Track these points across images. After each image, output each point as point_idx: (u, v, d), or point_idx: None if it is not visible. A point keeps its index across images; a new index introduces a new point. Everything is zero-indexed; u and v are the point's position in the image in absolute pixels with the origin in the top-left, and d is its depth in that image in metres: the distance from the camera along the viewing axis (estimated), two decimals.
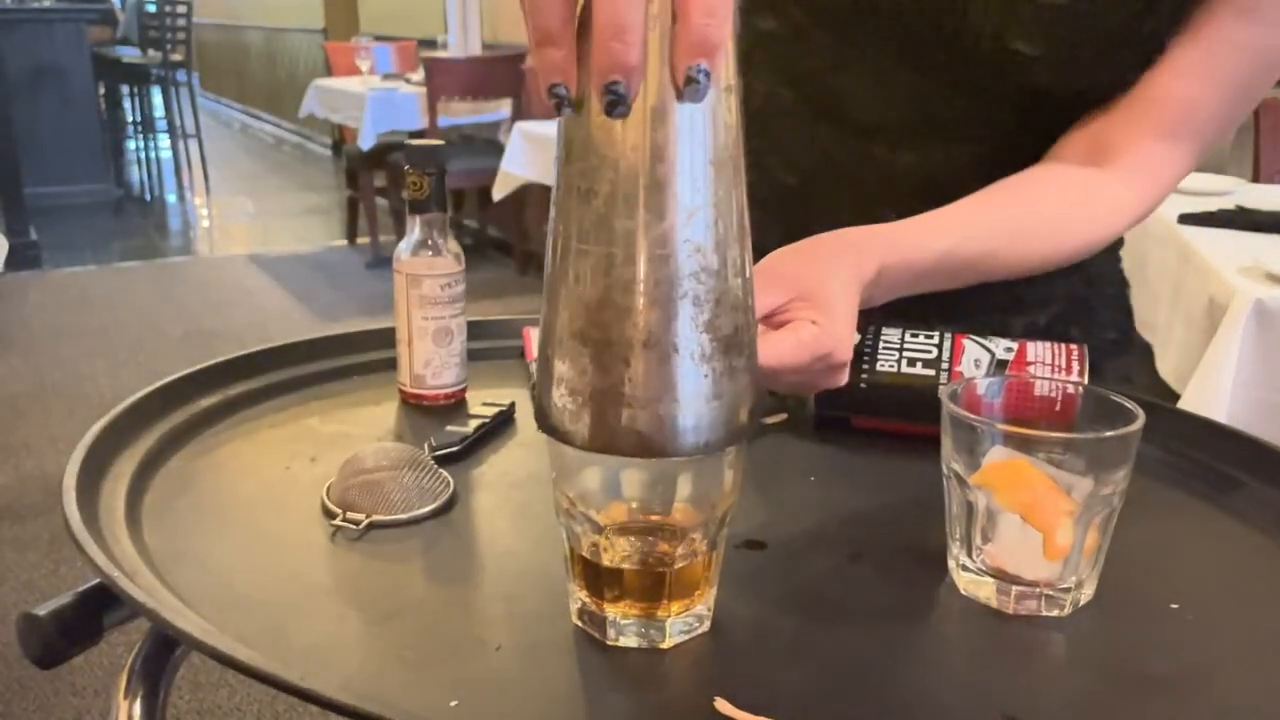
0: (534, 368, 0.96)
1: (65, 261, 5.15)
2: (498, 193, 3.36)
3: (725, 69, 0.48)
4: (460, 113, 4.60)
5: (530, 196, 3.86)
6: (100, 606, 0.62)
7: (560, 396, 0.52)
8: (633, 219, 0.48)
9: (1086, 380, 0.77)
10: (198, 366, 0.86)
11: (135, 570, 0.59)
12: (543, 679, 0.54)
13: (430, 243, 0.87)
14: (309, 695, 0.47)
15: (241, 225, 6.17)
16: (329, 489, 0.72)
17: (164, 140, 7.66)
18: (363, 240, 5.30)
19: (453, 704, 0.51)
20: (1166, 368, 1.77)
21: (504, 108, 4.61)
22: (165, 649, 0.61)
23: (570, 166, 0.49)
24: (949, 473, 0.62)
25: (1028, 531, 0.59)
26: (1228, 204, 2.02)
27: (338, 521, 0.68)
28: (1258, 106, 2.50)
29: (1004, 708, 0.51)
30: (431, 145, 0.86)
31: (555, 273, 0.51)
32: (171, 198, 6.91)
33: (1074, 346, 0.80)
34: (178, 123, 7.14)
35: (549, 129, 3.09)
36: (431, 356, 0.87)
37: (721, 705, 0.51)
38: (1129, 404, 0.61)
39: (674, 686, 0.55)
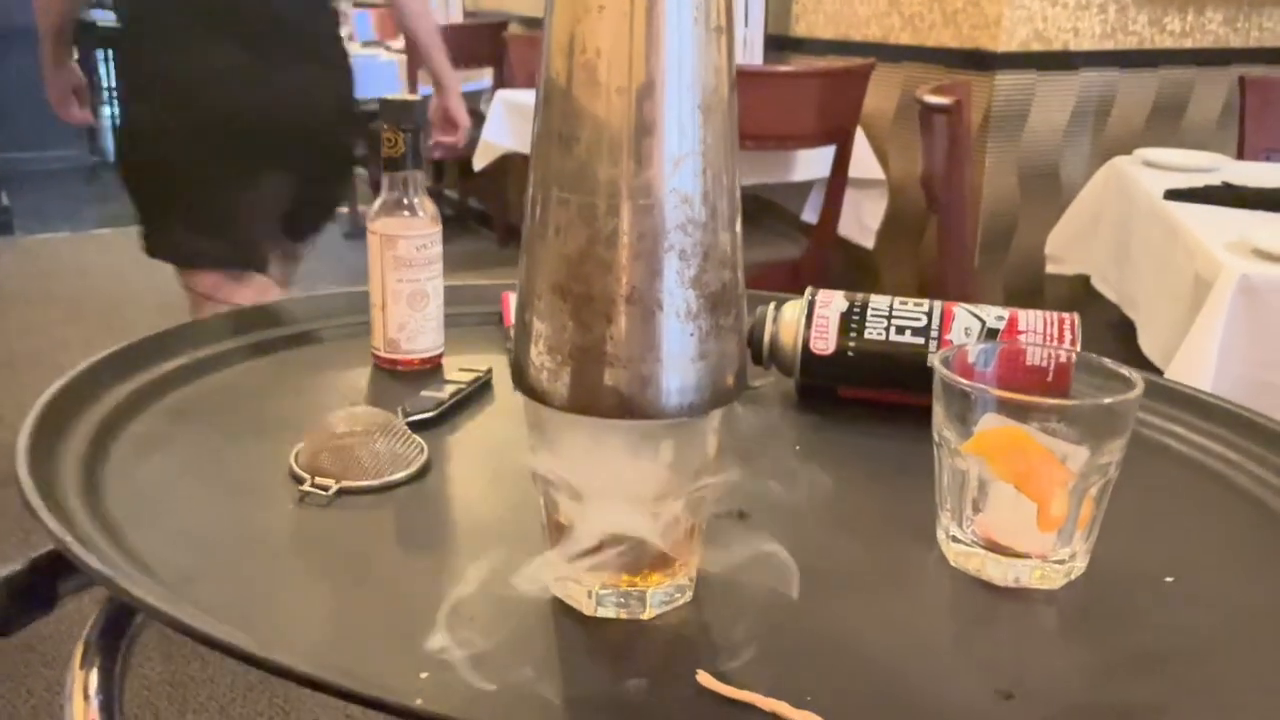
0: (514, 333, 0.94)
1: (38, 228, 5.06)
2: (479, 163, 3.31)
3: (716, 8, 0.45)
4: None
5: (512, 167, 3.82)
6: (55, 573, 0.59)
7: (538, 355, 0.49)
8: (616, 167, 0.46)
9: (1079, 348, 0.75)
10: (162, 329, 0.83)
11: (91, 536, 0.57)
12: (519, 651, 0.52)
13: (405, 202, 0.84)
14: (271, 666, 0.45)
15: None
16: (297, 454, 0.69)
17: None
18: (340, 210, 5.22)
19: (423, 675, 0.48)
20: (1150, 344, 1.76)
21: (485, 77, 4.54)
22: (123, 618, 0.59)
23: (550, 111, 0.47)
24: (939, 440, 0.60)
25: (1021, 502, 0.57)
26: (1213, 180, 2.00)
27: (306, 487, 0.65)
28: (1244, 84, 2.50)
29: (997, 683, 0.50)
30: (407, 100, 0.83)
31: (534, 225, 0.49)
32: None
33: (1065, 315, 0.78)
34: None
35: (531, 98, 3.04)
36: (406, 320, 0.85)
37: (704, 679, 0.49)
38: (1126, 371, 0.59)
39: (655, 659, 0.53)
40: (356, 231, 4.92)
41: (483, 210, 5.08)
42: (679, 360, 0.48)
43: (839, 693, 0.49)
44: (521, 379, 0.51)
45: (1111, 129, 2.78)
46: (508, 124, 3.01)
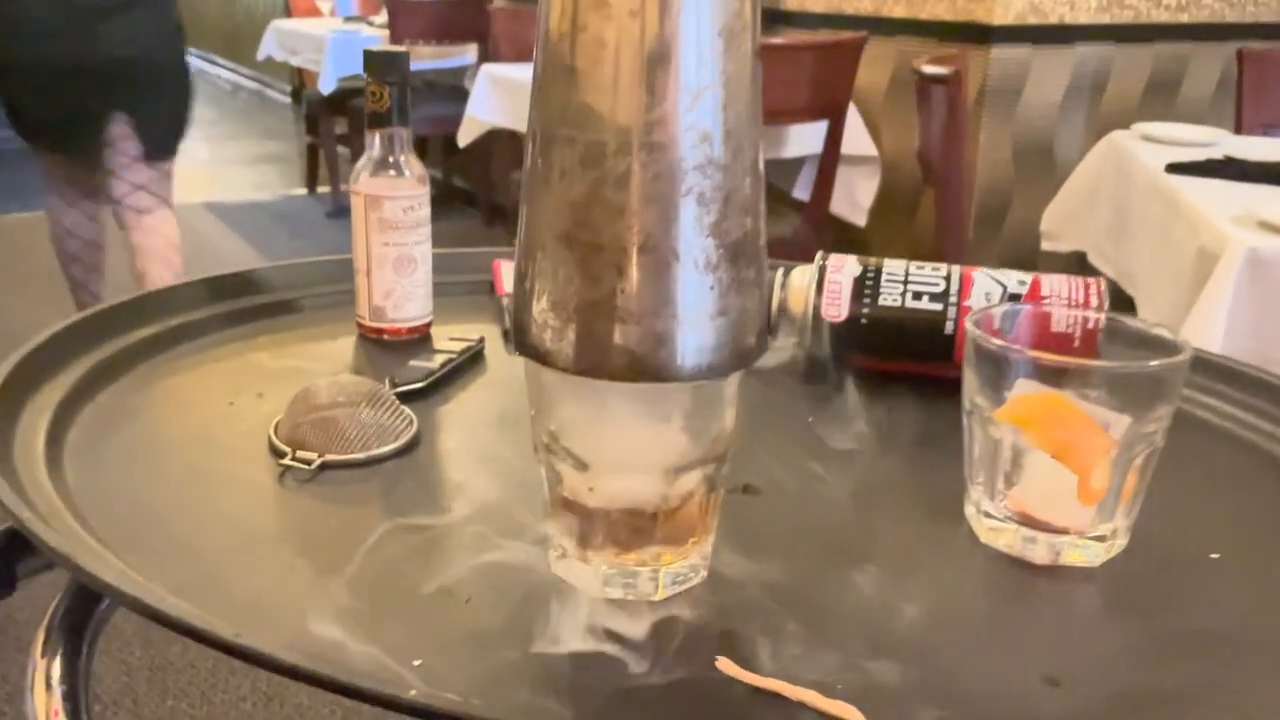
0: (506, 302, 0.89)
1: (13, 207, 4.97)
2: (463, 138, 3.24)
3: None
4: (424, 57, 4.45)
5: (497, 145, 3.75)
6: (13, 553, 0.55)
7: (541, 311, 0.45)
8: (627, 101, 0.41)
9: (1106, 314, 0.71)
10: (131, 295, 0.78)
11: (52, 512, 0.52)
12: (518, 636, 0.47)
13: (391, 161, 0.79)
14: (246, 654, 0.40)
15: (197, 172, 5.98)
16: (277, 426, 0.64)
17: None
18: (323, 189, 5.16)
19: (416, 664, 0.44)
20: (1151, 319, 1.73)
21: (469, 53, 4.47)
22: (88, 601, 0.54)
23: (552, 39, 0.42)
24: (971, 408, 0.56)
25: (1060, 473, 0.53)
26: (1214, 154, 1.97)
27: (287, 461, 0.61)
28: (1241, 58, 2.46)
29: (1041, 668, 0.46)
30: (391, 52, 0.78)
31: (535, 168, 0.44)
32: None
33: (1091, 280, 0.74)
34: None
35: (517, 72, 2.98)
36: (393, 287, 0.80)
37: (725, 665, 0.45)
38: (1168, 335, 0.55)
39: (669, 644, 0.48)
40: (338, 210, 4.86)
41: (467, 189, 5.02)
42: (697, 316, 0.44)
43: (871, 680, 0.45)
44: (522, 340, 0.46)
45: (1107, 104, 2.75)
46: (493, 98, 2.95)
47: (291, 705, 1.81)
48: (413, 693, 0.39)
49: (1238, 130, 2.42)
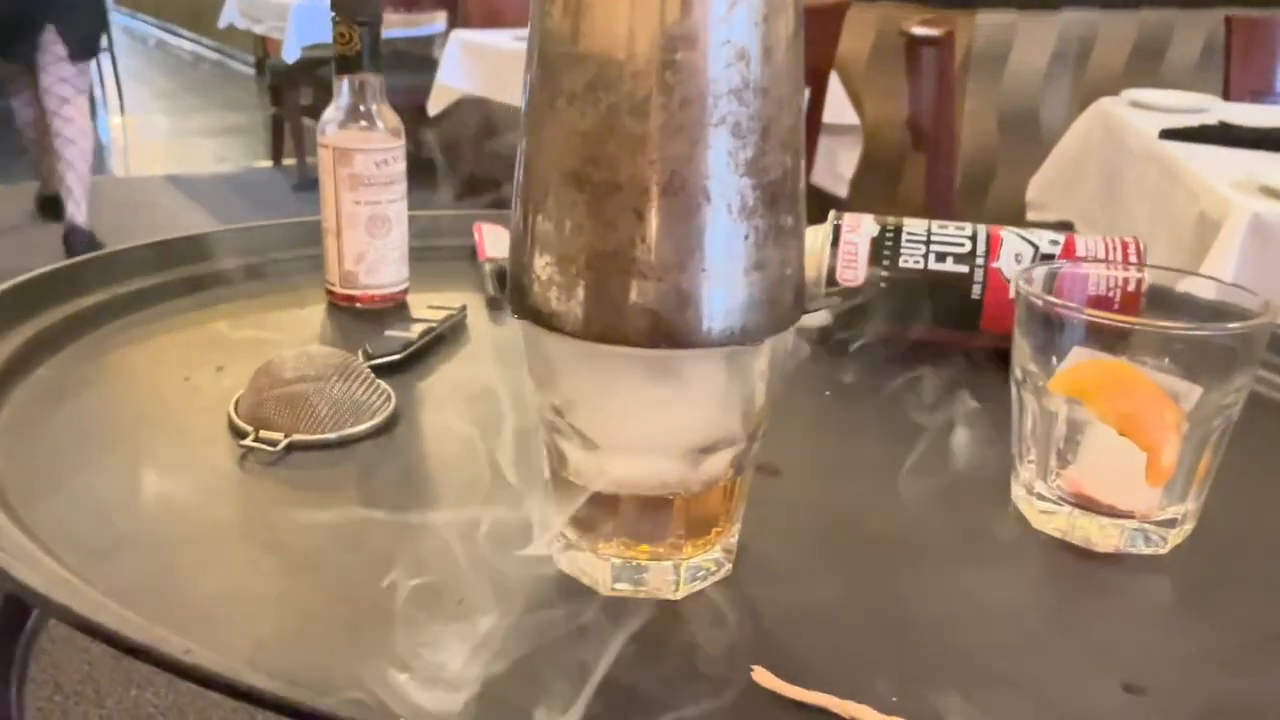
0: (489, 268, 0.82)
1: None
2: (433, 107, 3.14)
3: None
4: (392, 25, 4.33)
5: (468, 115, 3.66)
6: None
7: (545, 267, 0.38)
8: (648, 9, 0.34)
9: (1146, 275, 0.65)
10: (75, 259, 0.71)
11: None
12: (518, 640, 0.41)
13: (362, 111, 0.72)
14: (198, 675, 0.34)
15: (158, 144, 5.83)
16: (238, 403, 0.57)
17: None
18: (289, 162, 5.03)
19: (403, 677, 0.38)
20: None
21: (439, 20, 4.35)
22: (18, 610, 0.47)
23: None
24: (1022, 378, 0.50)
25: (1125, 450, 0.47)
26: (1207, 120, 1.92)
27: (249, 442, 0.54)
28: (1230, 25, 2.42)
29: (1120, 674, 0.40)
30: None
31: (538, 93, 0.37)
32: None
33: (1128, 239, 0.69)
34: None
35: (488, 38, 2.89)
36: (365, 249, 0.73)
37: (762, 676, 0.38)
38: (1244, 292, 0.49)
39: (690, 649, 0.42)
40: (305, 182, 4.74)
41: (438, 161, 4.90)
42: (730, 271, 0.37)
43: (929, 690, 0.39)
44: (522, 300, 0.40)
45: (1092, 71, 2.70)
46: (463, 65, 2.85)
47: None
48: (401, 719, 0.32)
49: (1225, 97, 2.38)
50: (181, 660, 0.34)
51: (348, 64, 0.71)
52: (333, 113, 0.72)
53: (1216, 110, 2.06)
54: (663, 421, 0.41)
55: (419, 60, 4.58)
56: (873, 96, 2.75)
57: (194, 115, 6.55)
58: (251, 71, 7.80)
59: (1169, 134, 1.81)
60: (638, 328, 0.37)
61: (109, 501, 0.50)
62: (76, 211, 3.01)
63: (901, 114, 2.41)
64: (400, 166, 0.73)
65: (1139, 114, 2.02)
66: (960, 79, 2.52)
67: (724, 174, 0.36)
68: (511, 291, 0.40)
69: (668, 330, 0.37)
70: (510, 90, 2.85)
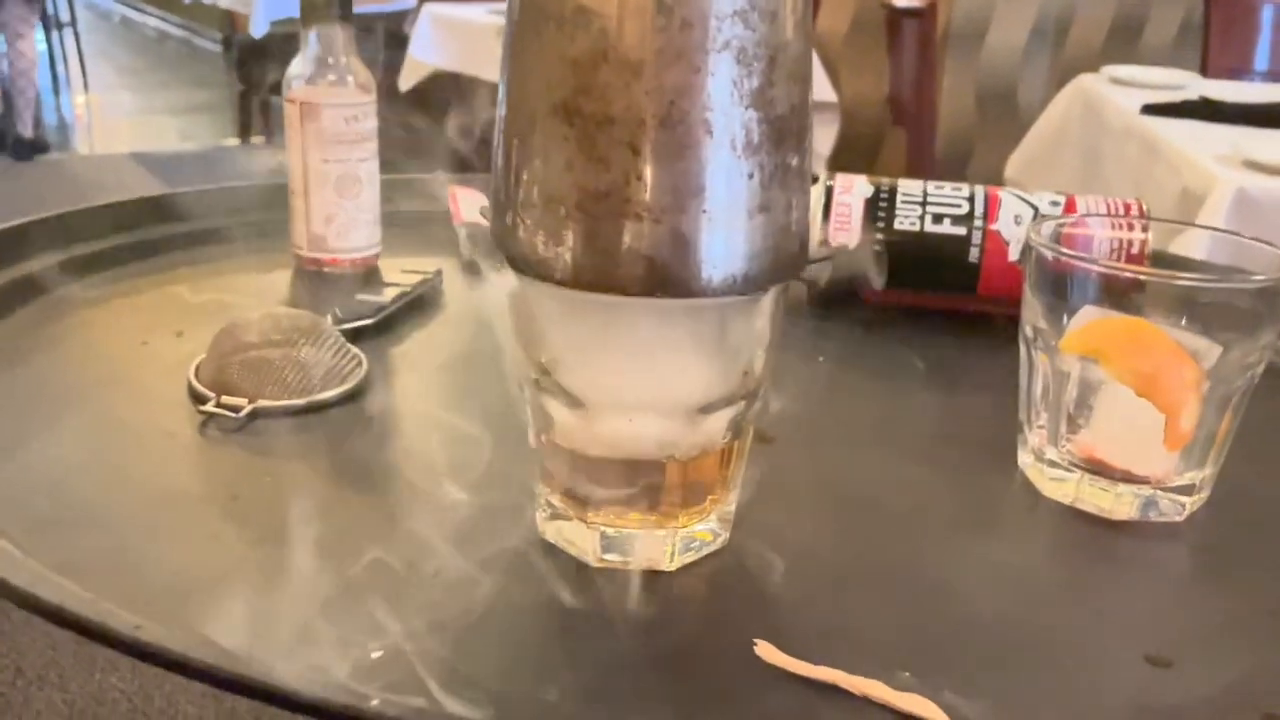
0: (464, 233, 0.79)
1: None
2: (405, 82, 3.09)
3: None
4: (363, 0, 4.26)
5: (440, 91, 3.60)
6: None
7: (530, 209, 0.35)
8: None
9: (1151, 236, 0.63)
10: (25, 219, 0.67)
11: None
12: (499, 615, 0.38)
13: (331, 63, 0.68)
14: (149, 652, 0.31)
15: (123, 121, 5.72)
16: (198, 368, 0.54)
17: (37, 31, 7.05)
18: (257, 139, 4.95)
19: (375, 654, 0.35)
20: None
21: None
22: None
23: None
24: (1032, 336, 0.47)
25: (1141, 412, 0.44)
26: (1187, 96, 1.91)
27: (210, 408, 0.50)
28: (1209, 2, 2.41)
29: (1144, 646, 0.37)
30: None
31: (522, 17, 0.34)
32: (46, 92, 6.38)
33: (1131, 200, 0.66)
34: (51, 11, 6.57)
35: (460, 11, 2.84)
36: (335, 211, 0.69)
37: (765, 651, 0.36)
38: (1272, 246, 0.47)
39: (684, 623, 0.39)
40: (273, 161, 4.65)
41: (408, 137, 4.84)
42: (732, 213, 0.34)
43: (943, 664, 0.36)
44: (504, 247, 0.37)
45: (1070, 49, 2.68)
46: (435, 39, 2.80)
47: None
48: (375, 702, 0.29)
49: (1204, 74, 2.38)
50: (131, 637, 0.31)
51: (315, 12, 0.67)
52: (299, 66, 0.68)
53: (1196, 87, 2.04)
54: (657, 378, 0.38)
55: (389, 37, 4.51)
56: (851, 74, 2.72)
57: (159, 93, 6.43)
58: (218, 48, 7.67)
59: (1151, 109, 1.80)
60: (632, 275, 0.34)
61: (57, 471, 0.47)
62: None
63: (879, 91, 2.38)
64: (371, 123, 0.69)
65: (1119, 90, 2.00)
66: (939, 56, 2.50)
67: (727, 105, 0.33)
68: (494, 238, 0.37)
69: (664, 277, 0.34)
70: (485, 65, 2.80)
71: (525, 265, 0.36)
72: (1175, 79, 2.11)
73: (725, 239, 0.34)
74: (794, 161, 0.35)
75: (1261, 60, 2.40)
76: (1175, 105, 1.81)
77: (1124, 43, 2.75)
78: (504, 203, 0.36)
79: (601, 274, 0.34)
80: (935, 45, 1.82)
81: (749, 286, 0.35)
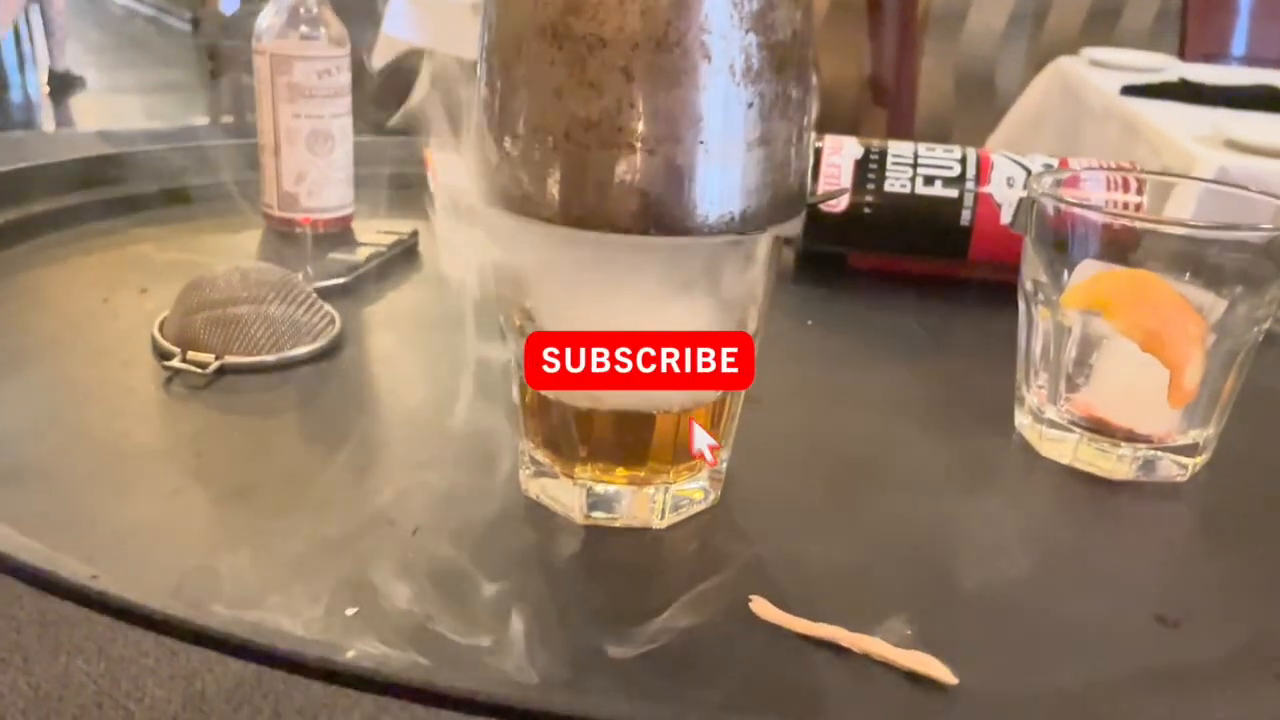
0: (440, 194, 0.76)
1: None
2: (378, 60, 3.04)
3: None
4: None
5: (413, 70, 3.56)
6: None
7: (515, 141, 0.33)
8: None
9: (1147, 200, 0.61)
10: None
11: None
12: (482, 573, 0.36)
13: (304, 15, 0.66)
14: (108, 604, 0.29)
15: (88, 98, 5.63)
16: (163, 324, 0.52)
17: None
18: (227, 119, 4.88)
19: (350, 612, 0.33)
20: None
21: None
22: None
23: None
24: (1033, 290, 0.46)
25: (1144, 369, 0.43)
26: (1168, 78, 1.90)
27: (175, 364, 0.48)
28: None
29: (1151, 605, 0.36)
30: None
31: None
32: (11, 69, 6.26)
33: (1126, 163, 0.65)
34: None
35: None
36: (307, 168, 0.67)
37: (760, 607, 0.34)
38: (1275, 198, 0.45)
39: (675, 583, 0.37)
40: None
41: (379, 118, 4.78)
42: (730, 144, 0.32)
43: (944, 623, 0.35)
44: (487, 183, 0.35)
45: (1048, 34, 2.68)
46: (411, 15, 2.75)
47: (198, 659, 1.68)
48: (350, 653, 0.27)
49: (1181, 58, 2.38)
50: (87, 586, 0.28)
51: None
52: (270, 17, 0.66)
53: (1174, 70, 2.04)
54: (648, 324, 0.36)
55: (362, 13, 4.46)
56: (828, 55, 2.71)
57: (127, 71, 6.33)
58: (188, 28, 7.56)
59: (1131, 90, 1.80)
60: (625, 210, 0.32)
61: (13, 427, 0.44)
62: None
63: (858, 73, 2.37)
64: (345, 78, 0.67)
65: (1098, 72, 2.00)
66: (918, 38, 2.48)
67: (726, 28, 0.31)
68: (476, 174, 0.35)
69: (658, 214, 0.32)
70: (462, 42, 2.76)
71: (510, 202, 0.34)
72: (1154, 62, 2.10)
73: (722, 172, 0.33)
74: (795, 93, 0.34)
75: (1239, 45, 2.41)
76: (1155, 86, 1.81)
77: (1102, 26, 2.75)
78: (487, 135, 0.34)
79: (591, 210, 0.32)
80: (916, 23, 1.80)
81: (747, 225, 0.34)
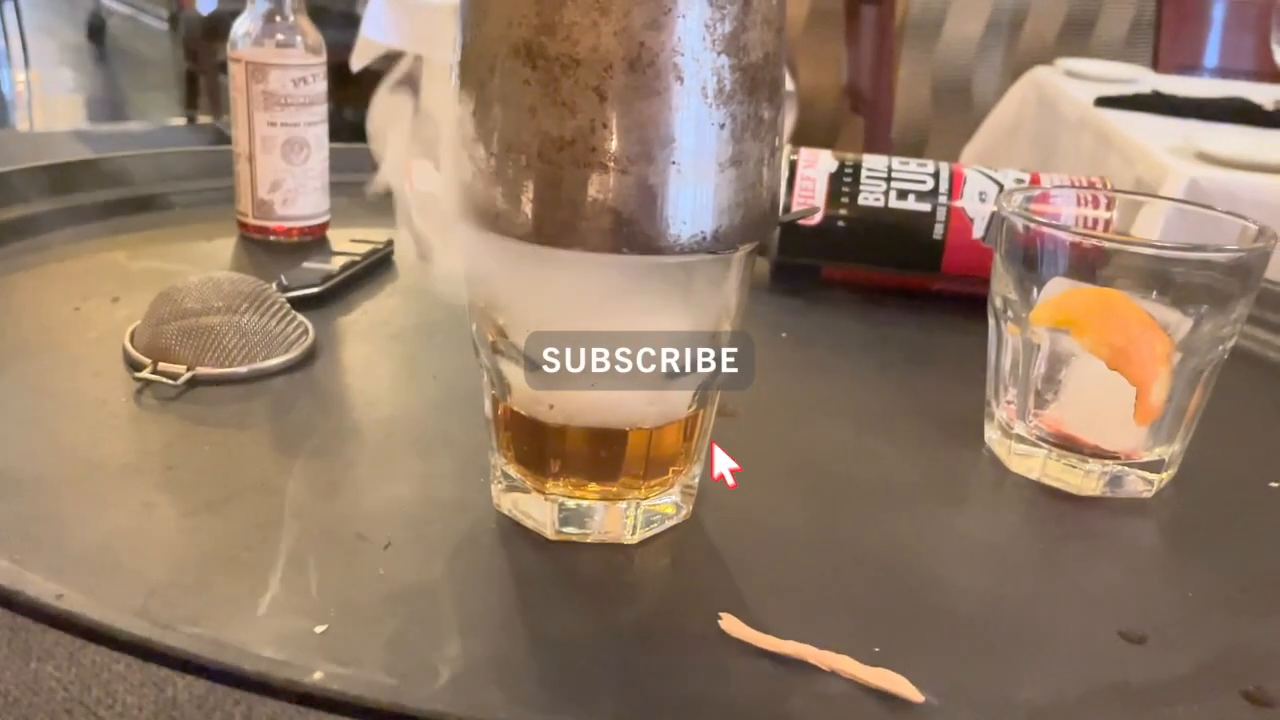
0: (414, 204, 0.76)
1: None
2: (356, 63, 3.03)
3: None
4: None
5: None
6: None
7: (488, 159, 0.33)
8: None
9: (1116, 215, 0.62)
10: None
11: None
12: (453, 589, 0.36)
13: (280, 22, 0.65)
14: (74, 623, 0.28)
15: (66, 99, 5.58)
16: (134, 334, 0.51)
17: None
18: (204, 119, 4.85)
19: (319, 629, 0.33)
20: None
21: None
22: None
23: None
24: (1002, 307, 0.46)
25: (1110, 386, 0.43)
26: (1141, 90, 1.92)
27: (146, 374, 0.48)
28: None
29: (1117, 622, 0.37)
30: None
31: None
32: None
33: (1096, 178, 0.66)
34: None
35: None
36: (282, 176, 0.67)
37: (731, 625, 0.34)
38: (1241, 219, 0.46)
39: (646, 599, 0.38)
40: (220, 140, 4.56)
41: (359, 122, 4.76)
42: (702, 164, 0.33)
43: (912, 640, 0.35)
44: (461, 200, 0.35)
45: (1024, 43, 2.70)
46: (390, 18, 2.75)
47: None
48: (318, 675, 0.27)
49: (1155, 69, 2.40)
50: (52, 606, 0.28)
51: None
52: (246, 23, 0.65)
53: (1148, 81, 2.06)
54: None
55: (339, 18, 4.43)
56: (807, 62, 2.72)
57: (104, 70, 6.28)
58: (164, 26, 7.50)
59: (1104, 101, 1.81)
60: (597, 229, 0.32)
61: None
62: None
63: (837, 81, 2.38)
64: (320, 86, 0.67)
65: (1073, 83, 2.02)
66: (896, 46, 2.50)
67: (699, 50, 0.31)
68: (449, 192, 0.35)
69: (630, 233, 0.33)
70: (443, 45, 2.75)
71: (483, 219, 0.34)
72: (1128, 73, 2.13)
73: (694, 192, 0.33)
74: (766, 114, 0.34)
75: (1211, 57, 2.44)
76: (1129, 98, 1.83)
77: (1077, 37, 2.78)
78: (460, 153, 0.34)
79: (564, 228, 0.33)
80: (894, 32, 1.81)
81: (719, 245, 0.34)
